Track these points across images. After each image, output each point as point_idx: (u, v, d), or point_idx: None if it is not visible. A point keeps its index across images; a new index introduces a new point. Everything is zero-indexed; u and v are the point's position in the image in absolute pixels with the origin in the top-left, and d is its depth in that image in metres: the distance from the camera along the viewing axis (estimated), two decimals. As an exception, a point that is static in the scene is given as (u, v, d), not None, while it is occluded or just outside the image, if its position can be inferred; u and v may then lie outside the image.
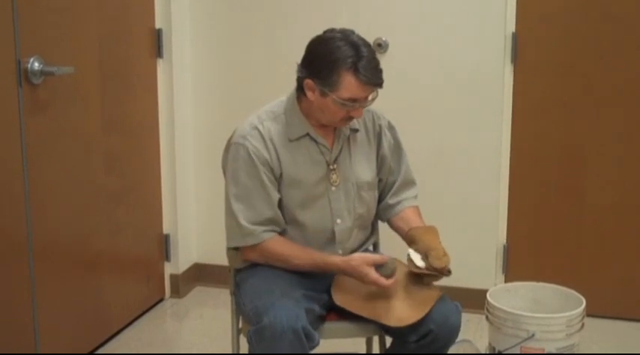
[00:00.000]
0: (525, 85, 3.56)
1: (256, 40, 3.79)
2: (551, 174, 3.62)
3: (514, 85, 3.56)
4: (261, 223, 2.43)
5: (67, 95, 3.02)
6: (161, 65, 3.70)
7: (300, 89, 2.44)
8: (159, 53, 3.67)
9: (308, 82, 2.38)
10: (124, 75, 3.44)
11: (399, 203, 2.64)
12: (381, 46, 3.60)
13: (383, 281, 2.33)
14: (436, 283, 2.45)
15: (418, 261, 2.38)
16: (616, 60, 3.47)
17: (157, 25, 3.65)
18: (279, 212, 2.46)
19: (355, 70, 2.30)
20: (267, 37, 3.79)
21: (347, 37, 2.36)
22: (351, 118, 2.42)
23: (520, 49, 3.51)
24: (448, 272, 2.38)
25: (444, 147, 3.66)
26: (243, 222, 2.42)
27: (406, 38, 3.61)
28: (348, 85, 2.32)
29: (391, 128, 2.64)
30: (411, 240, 2.51)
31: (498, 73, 3.55)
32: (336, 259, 2.42)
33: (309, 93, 2.40)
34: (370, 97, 2.39)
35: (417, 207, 2.66)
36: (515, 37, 3.50)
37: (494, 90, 3.56)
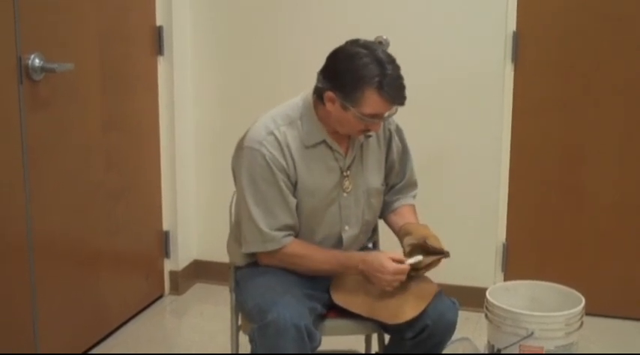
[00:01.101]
0: (526, 85, 3.56)
1: (257, 37, 3.79)
2: (551, 173, 3.63)
3: (514, 84, 3.56)
4: (280, 229, 2.42)
5: (68, 92, 3.03)
6: (162, 63, 3.70)
7: (319, 98, 2.41)
8: (160, 51, 3.67)
9: (329, 94, 2.35)
10: (125, 72, 3.44)
11: (396, 200, 2.66)
12: (382, 44, 3.59)
13: (400, 267, 2.33)
14: (435, 280, 2.45)
15: (414, 260, 2.38)
16: (616, 60, 3.47)
17: (158, 23, 3.65)
18: (296, 217, 2.45)
19: (380, 89, 2.29)
20: (269, 34, 3.78)
21: (372, 52, 2.32)
22: (368, 130, 2.41)
23: (521, 48, 3.51)
24: (448, 254, 2.39)
25: (445, 145, 3.66)
26: (265, 228, 2.41)
27: (407, 37, 3.61)
28: (372, 102, 2.31)
29: (399, 131, 2.64)
30: (405, 233, 2.51)
31: (499, 72, 3.55)
32: (359, 252, 2.44)
33: (328, 105, 2.37)
34: (388, 113, 2.38)
35: (413, 206, 2.68)
36: (516, 36, 3.50)
37: (495, 89, 3.57)
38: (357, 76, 2.30)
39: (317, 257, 2.44)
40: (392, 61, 2.34)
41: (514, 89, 3.56)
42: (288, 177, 2.42)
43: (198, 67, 3.87)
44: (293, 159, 2.42)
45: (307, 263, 2.44)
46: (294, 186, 2.44)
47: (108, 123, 3.31)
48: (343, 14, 3.61)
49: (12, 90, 2.73)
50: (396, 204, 2.65)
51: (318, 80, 2.40)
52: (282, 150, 2.40)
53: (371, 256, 2.38)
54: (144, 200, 3.69)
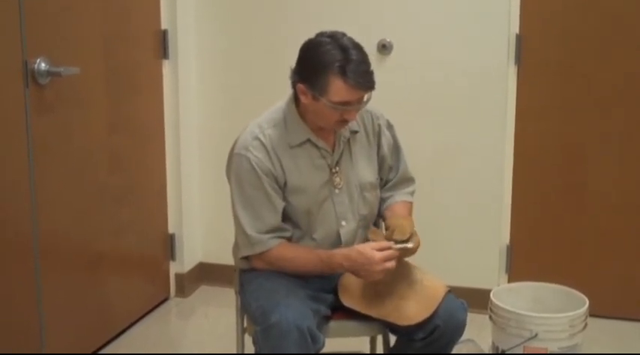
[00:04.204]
0: (529, 86, 3.56)
1: (261, 41, 3.80)
2: (554, 175, 3.63)
3: (518, 86, 3.56)
4: (267, 231, 2.44)
5: (73, 96, 3.04)
6: (167, 66, 3.71)
7: (295, 93, 2.44)
8: (164, 54, 3.68)
9: (300, 86, 2.38)
10: (130, 76, 3.45)
11: (390, 197, 2.64)
12: (386, 46, 3.61)
13: (386, 253, 2.31)
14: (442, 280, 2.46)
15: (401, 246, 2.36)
16: (620, 61, 3.47)
17: (163, 26, 3.67)
18: (280, 220, 2.46)
19: (343, 74, 2.29)
20: (273, 38, 3.79)
21: (336, 40, 2.34)
22: (345, 121, 2.41)
23: (524, 50, 3.52)
24: (410, 247, 2.34)
25: (448, 147, 3.66)
26: (250, 232, 2.43)
27: (411, 39, 3.62)
28: (337, 89, 2.31)
29: (390, 127, 2.64)
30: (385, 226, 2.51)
31: (502, 73, 3.55)
32: (341, 250, 2.42)
33: (302, 98, 2.40)
34: (365, 98, 2.38)
35: (407, 202, 2.65)
36: (519, 38, 3.51)
37: (498, 90, 3.57)
38: (319, 63, 2.32)
39: (302, 259, 2.44)
40: (357, 46, 2.34)
41: (517, 91, 3.57)
42: (276, 179, 2.44)
43: (202, 71, 3.88)
44: (280, 161, 2.44)
45: (294, 265, 2.45)
46: (284, 187, 2.46)
47: (113, 127, 3.32)
48: (348, 18, 3.61)
49: (18, 93, 2.75)
50: (390, 201, 2.64)
51: (290, 75, 2.42)
52: (268, 153, 2.43)
53: (354, 251, 2.35)
54: (149, 203, 3.70)
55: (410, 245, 2.35)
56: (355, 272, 2.37)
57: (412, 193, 2.69)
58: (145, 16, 3.56)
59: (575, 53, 3.51)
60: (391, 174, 2.66)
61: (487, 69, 3.56)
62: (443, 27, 3.59)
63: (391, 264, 2.32)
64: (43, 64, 2.81)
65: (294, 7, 3.74)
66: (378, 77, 3.56)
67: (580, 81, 3.52)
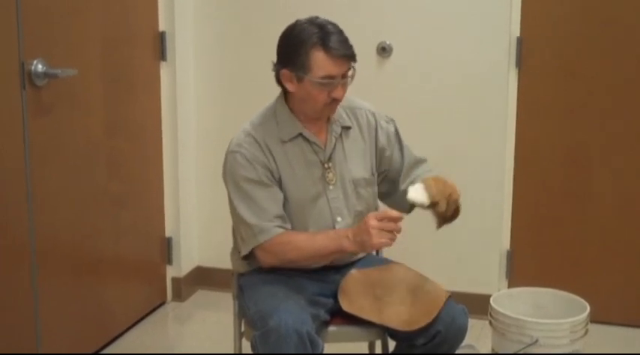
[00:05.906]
0: (530, 89, 3.55)
1: (259, 43, 3.77)
2: (555, 179, 3.62)
3: (519, 89, 3.55)
4: (270, 220, 2.41)
5: (71, 97, 3.02)
6: (164, 68, 3.69)
7: (281, 85, 2.46)
8: (162, 56, 3.67)
9: (283, 72, 2.41)
10: (128, 77, 3.44)
11: (413, 181, 2.54)
12: (385, 49, 3.59)
13: (382, 212, 2.31)
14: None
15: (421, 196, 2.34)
16: (621, 64, 3.46)
17: (161, 28, 3.65)
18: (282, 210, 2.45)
19: (323, 45, 2.33)
20: (271, 40, 3.74)
21: (312, 20, 2.40)
22: (334, 100, 2.40)
23: (525, 53, 3.51)
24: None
25: (448, 150, 3.65)
26: (253, 221, 2.40)
27: (411, 42, 3.60)
28: (320, 62, 2.33)
29: (388, 121, 2.62)
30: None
31: (503, 77, 3.54)
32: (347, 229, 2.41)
33: (287, 85, 2.42)
34: (350, 73, 2.38)
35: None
36: (520, 41, 3.50)
37: (499, 94, 3.56)
38: (298, 41, 2.37)
39: (308, 239, 2.41)
40: (332, 23, 2.40)
41: (518, 94, 3.56)
42: (271, 172, 2.43)
43: (200, 73, 3.87)
44: (273, 156, 2.44)
45: (300, 247, 2.40)
46: (279, 182, 2.45)
47: (110, 129, 3.31)
48: (347, 20, 3.57)
49: (15, 95, 2.73)
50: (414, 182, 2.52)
51: (273, 68, 2.46)
52: (260, 147, 2.43)
53: (363, 222, 2.32)
54: (146, 206, 3.68)
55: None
56: (360, 240, 2.31)
57: (431, 171, 2.62)
58: (142, 17, 3.54)
59: (576, 56, 3.50)
60: (397, 163, 2.59)
61: (488, 72, 3.55)
62: (443, 29, 3.57)
63: (395, 226, 2.28)
64: (40, 66, 2.79)
65: (292, 10, 3.70)
66: (377, 79, 3.59)
67: (581, 84, 3.51)
